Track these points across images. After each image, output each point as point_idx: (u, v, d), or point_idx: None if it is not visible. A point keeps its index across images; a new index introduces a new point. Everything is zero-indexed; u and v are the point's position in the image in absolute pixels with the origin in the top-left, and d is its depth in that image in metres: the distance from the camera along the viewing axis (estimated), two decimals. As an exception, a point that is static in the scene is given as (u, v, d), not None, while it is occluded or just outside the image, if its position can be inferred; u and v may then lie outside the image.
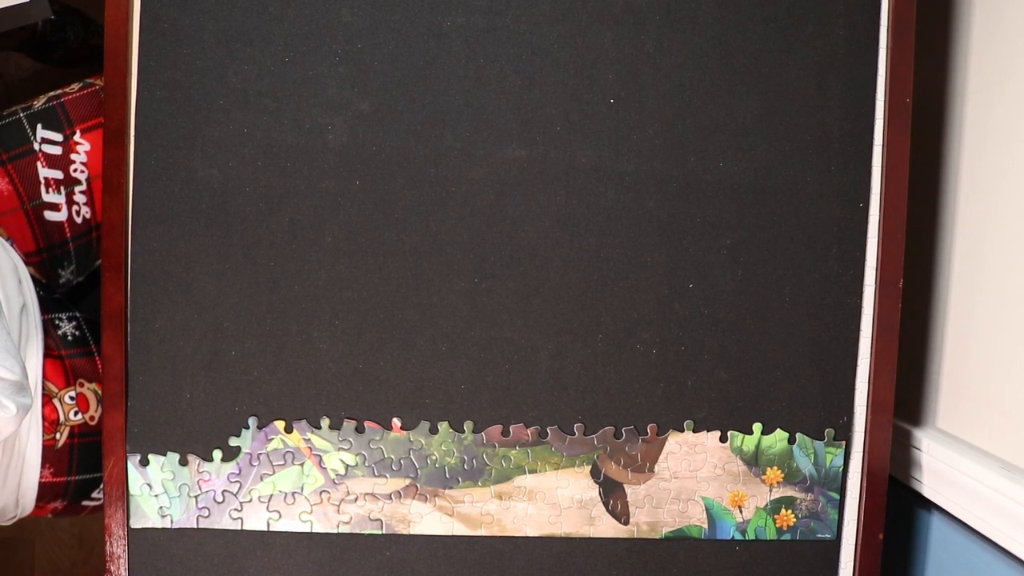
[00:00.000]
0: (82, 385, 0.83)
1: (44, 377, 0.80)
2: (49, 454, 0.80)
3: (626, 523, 0.78)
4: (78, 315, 0.87)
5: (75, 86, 0.87)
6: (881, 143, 0.77)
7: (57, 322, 0.84)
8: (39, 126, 0.84)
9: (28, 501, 0.81)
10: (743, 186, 0.76)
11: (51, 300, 0.86)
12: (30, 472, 0.79)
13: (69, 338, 0.84)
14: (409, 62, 0.75)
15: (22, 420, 0.71)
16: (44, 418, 0.79)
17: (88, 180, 0.86)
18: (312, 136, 0.75)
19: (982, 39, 0.80)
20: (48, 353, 0.81)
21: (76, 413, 0.81)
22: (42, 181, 0.83)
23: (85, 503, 0.86)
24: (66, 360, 0.82)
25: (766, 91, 0.76)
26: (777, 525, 0.79)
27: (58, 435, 0.80)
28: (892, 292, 0.77)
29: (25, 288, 0.81)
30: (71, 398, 0.81)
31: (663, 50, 0.76)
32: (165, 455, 0.76)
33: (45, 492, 0.81)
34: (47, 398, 0.80)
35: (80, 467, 0.82)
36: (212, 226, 0.75)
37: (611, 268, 0.76)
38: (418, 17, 0.75)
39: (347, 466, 0.77)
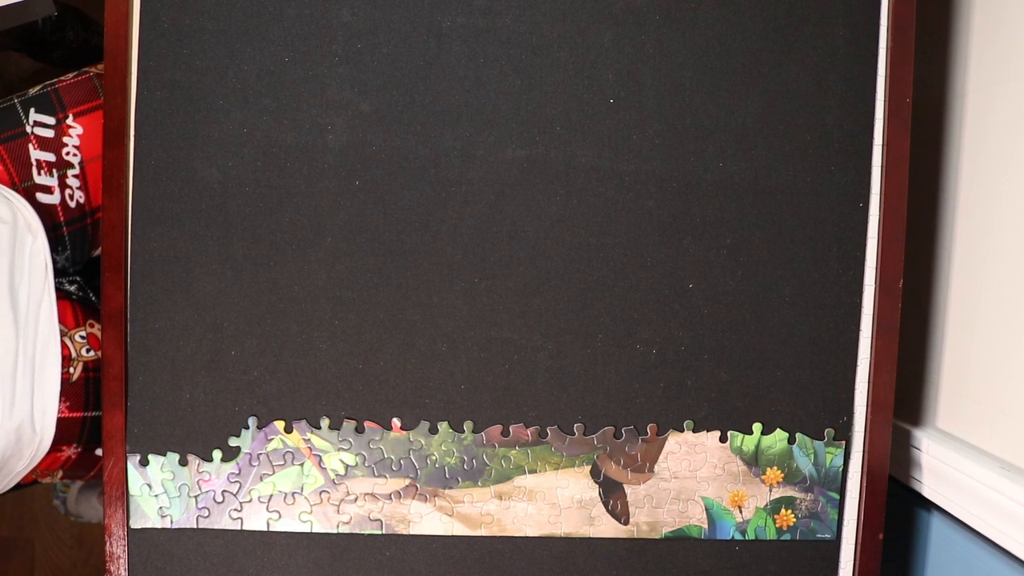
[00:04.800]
0: (92, 326, 0.84)
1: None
2: (64, 387, 0.80)
3: (626, 523, 0.78)
4: (79, 279, 0.88)
5: (70, 75, 0.88)
6: (881, 143, 0.77)
7: (58, 284, 0.85)
8: (32, 110, 0.85)
9: (47, 428, 0.79)
10: (743, 186, 0.76)
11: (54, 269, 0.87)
12: (46, 380, 0.78)
13: (73, 297, 0.86)
14: (409, 62, 0.75)
15: None
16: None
17: (81, 164, 0.86)
18: (312, 136, 0.75)
19: (982, 39, 0.80)
20: (57, 295, 0.81)
21: (88, 350, 0.83)
22: (33, 163, 0.84)
23: (97, 451, 0.86)
24: (75, 303, 0.84)
25: (766, 91, 0.76)
26: (777, 525, 0.79)
27: (72, 369, 0.81)
28: (892, 292, 0.77)
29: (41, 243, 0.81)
30: (82, 337, 0.83)
31: (663, 50, 0.76)
32: (165, 455, 0.76)
33: (62, 431, 0.81)
34: None
35: (95, 402, 0.83)
36: (212, 226, 0.75)
37: (611, 268, 0.76)
38: (418, 17, 0.75)
39: (347, 466, 0.77)
